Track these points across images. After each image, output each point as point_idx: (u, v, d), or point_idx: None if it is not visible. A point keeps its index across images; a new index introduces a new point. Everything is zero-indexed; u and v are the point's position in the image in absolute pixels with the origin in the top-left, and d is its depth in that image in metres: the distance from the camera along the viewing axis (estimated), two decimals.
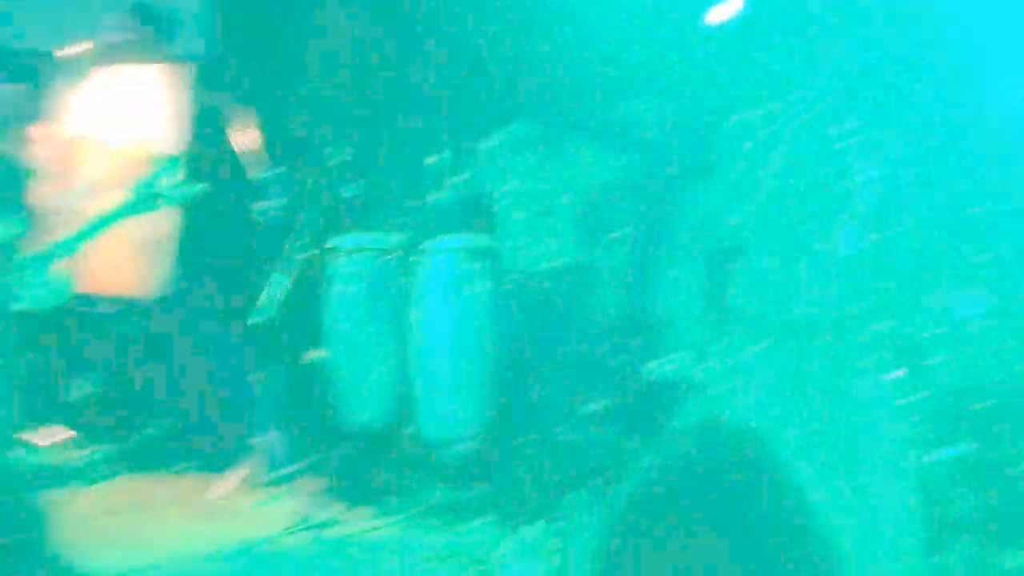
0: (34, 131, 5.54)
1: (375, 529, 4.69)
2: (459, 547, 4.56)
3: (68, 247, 3.87)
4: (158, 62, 5.59)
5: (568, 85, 5.44)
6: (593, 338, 5.07)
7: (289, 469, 5.14)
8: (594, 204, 5.20)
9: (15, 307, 3.88)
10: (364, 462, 5.06)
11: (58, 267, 3.82)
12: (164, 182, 3.83)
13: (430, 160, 5.19)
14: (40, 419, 5.16)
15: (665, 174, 5.03)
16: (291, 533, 4.54)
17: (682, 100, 5.18)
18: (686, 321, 4.57)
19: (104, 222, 3.87)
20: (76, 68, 5.57)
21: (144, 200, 3.80)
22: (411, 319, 4.96)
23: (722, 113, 4.36)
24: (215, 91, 5.54)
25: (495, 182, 5.33)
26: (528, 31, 5.60)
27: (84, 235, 3.86)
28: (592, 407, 4.97)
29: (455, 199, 5.31)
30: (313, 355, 5.10)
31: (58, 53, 5.59)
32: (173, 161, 3.91)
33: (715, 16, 4.78)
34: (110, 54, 5.58)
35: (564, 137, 5.30)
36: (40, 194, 5.18)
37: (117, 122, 5.48)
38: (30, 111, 5.71)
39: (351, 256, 5.01)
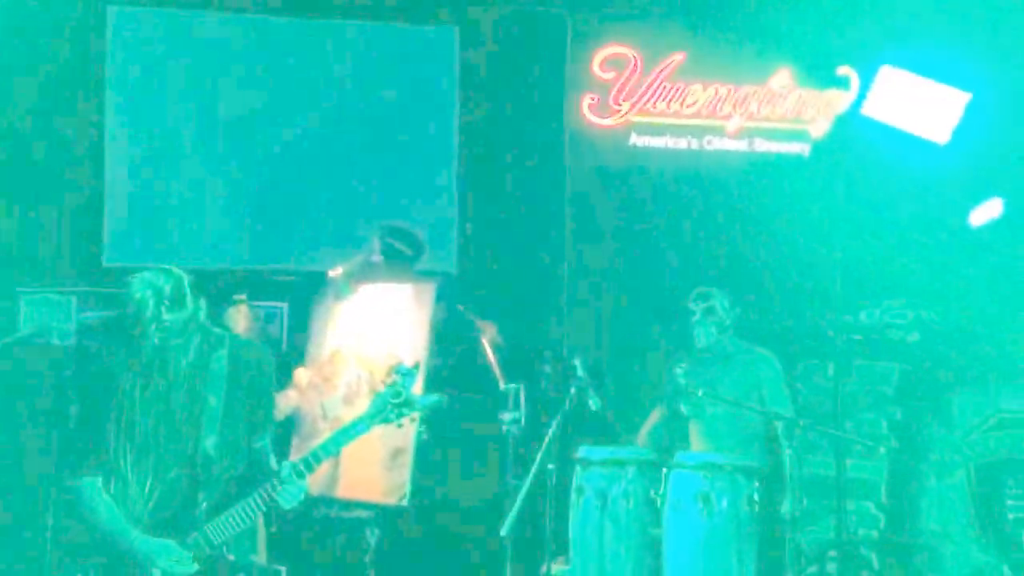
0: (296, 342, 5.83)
1: None
2: None
3: (324, 453, 3.93)
4: (409, 279, 5.84)
5: None
6: None
7: None
8: None
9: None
10: None
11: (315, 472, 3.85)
12: (405, 393, 3.88)
13: (677, 371, 5.16)
14: None
15: None
16: None
17: None
18: None
19: (353, 430, 3.93)
20: (336, 286, 5.89)
21: (385, 410, 3.86)
22: (656, 534, 4.84)
23: None
24: (460, 305, 5.72)
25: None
26: None
27: (336, 442, 3.93)
28: None
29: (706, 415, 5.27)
30: (557, 566, 5.01)
31: (321, 271, 5.95)
32: (412, 372, 3.97)
33: None
34: (366, 272, 5.88)
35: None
36: (303, 400, 5.42)
37: (372, 334, 5.71)
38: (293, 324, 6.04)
39: (597, 467, 4.96)
